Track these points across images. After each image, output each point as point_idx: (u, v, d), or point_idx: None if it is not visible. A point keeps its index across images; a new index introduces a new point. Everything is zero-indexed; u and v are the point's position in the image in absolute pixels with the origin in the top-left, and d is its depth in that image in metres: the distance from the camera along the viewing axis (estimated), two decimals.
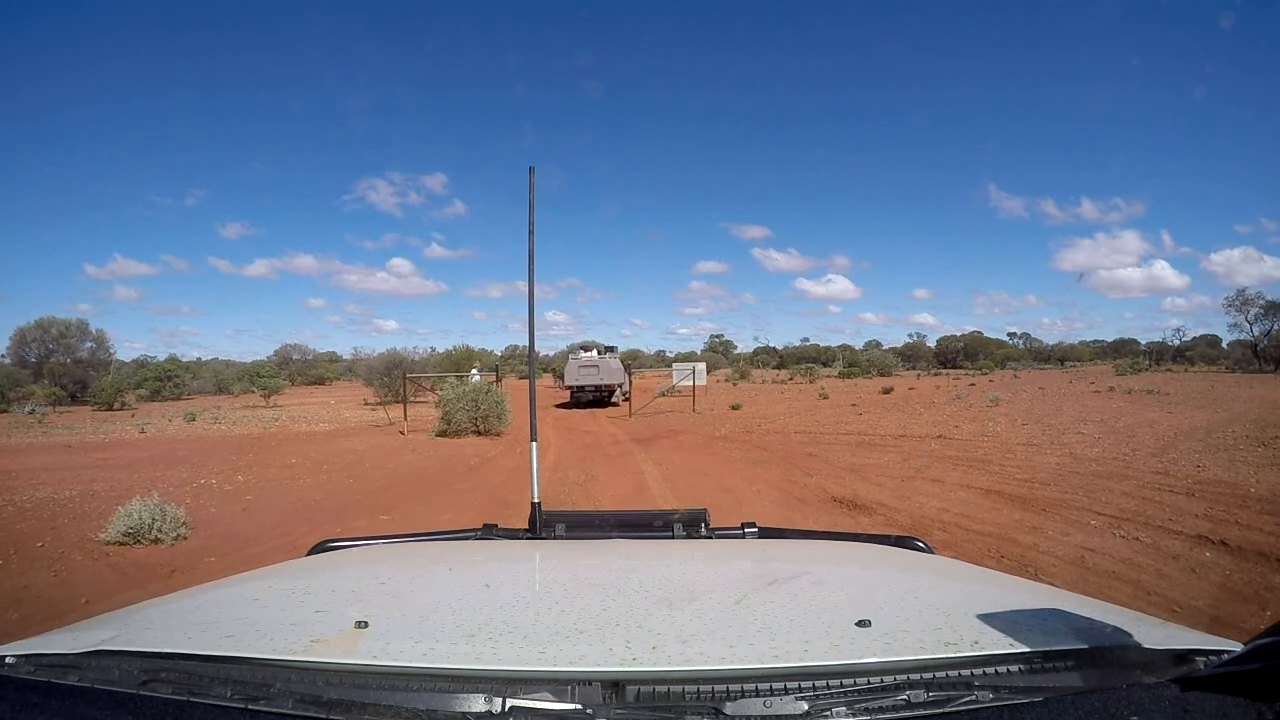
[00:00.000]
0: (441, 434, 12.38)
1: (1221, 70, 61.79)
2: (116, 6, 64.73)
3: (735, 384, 35.29)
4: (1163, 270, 74.20)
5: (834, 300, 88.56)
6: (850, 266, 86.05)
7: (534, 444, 1.91)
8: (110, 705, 0.65)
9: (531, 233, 1.83)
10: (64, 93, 65.79)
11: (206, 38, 67.64)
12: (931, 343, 71.78)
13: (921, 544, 1.46)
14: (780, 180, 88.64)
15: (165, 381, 32.28)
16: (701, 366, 22.54)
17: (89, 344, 33.43)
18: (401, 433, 13.02)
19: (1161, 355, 51.72)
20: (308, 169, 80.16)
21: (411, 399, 16.97)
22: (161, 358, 44.04)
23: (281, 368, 50.02)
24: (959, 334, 71.72)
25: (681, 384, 22.42)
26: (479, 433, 12.40)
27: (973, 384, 30.83)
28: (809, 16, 72.94)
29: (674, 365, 22.22)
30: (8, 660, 0.76)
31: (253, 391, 31.28)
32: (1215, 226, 79.74)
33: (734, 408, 18.30)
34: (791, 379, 40.18)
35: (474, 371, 15.98)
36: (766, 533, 1.56)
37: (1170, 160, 72.95)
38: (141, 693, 0.67)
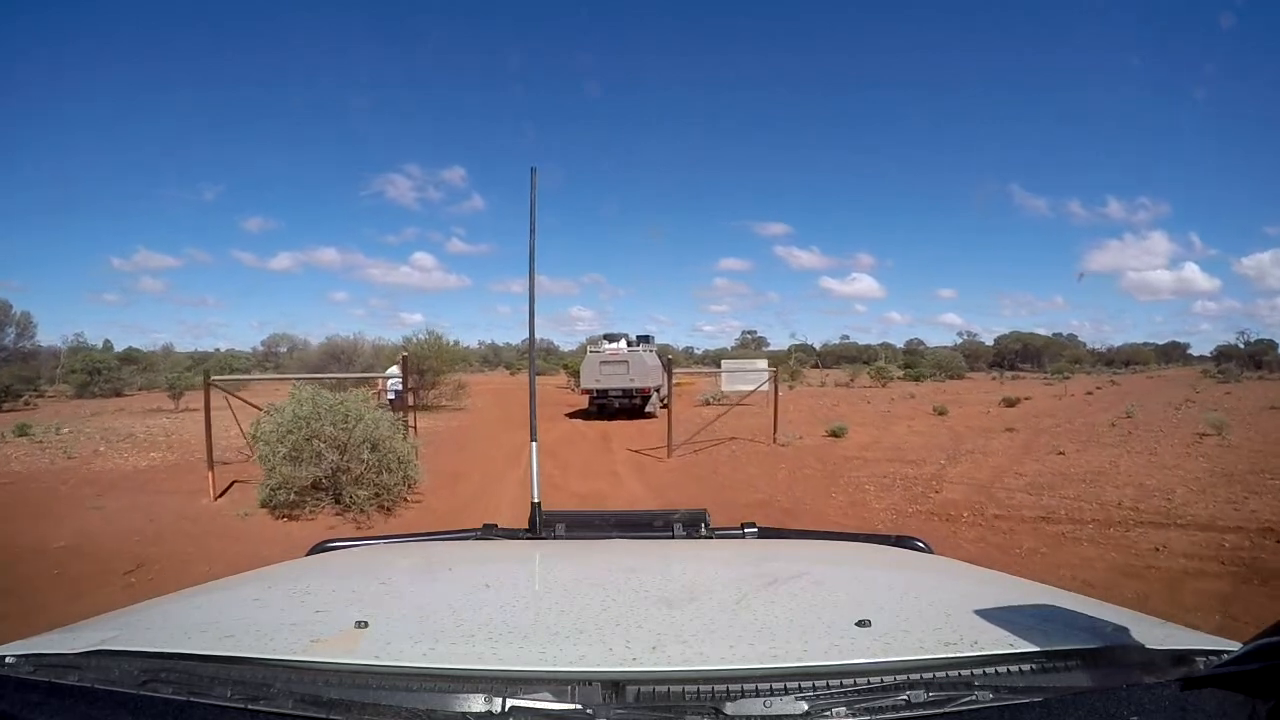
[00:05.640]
0: (274, 506, 5.74)
1: (1252, 69, 58.99)
2: (141, 4, 62.52)
3: (791, 388, 28.02)
4: (1192, 273, 71.84)
5: (859, 299, 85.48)
6: (874, 265, 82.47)
7: (534, 444, 1.89)
8: (110, 705, 0.65)
9: (533, 232, 1.78)
10: (85, 90, 63.86)
11: (223, 38, 65.31)
12: (989, 341, 66.02)
13: (921, 544, 1.43)
14: (801, 178, 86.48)
15: (94, 375, 26.53)
16: (762, 364, 15.60)
17: (10, 330, 28.09)
18: (219, 494, 6.45)
19: (1230, 360, 45.17)
20: (329, 164, 78.56)
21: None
22: (132, 346, 38.89)
23: (267, 360, 44.82)
24: (1022, 332, 66.57)
25: (733, 390, 15.62)
26: (348, 506, 5.72)
27: (1089, 394, 24.71)
28: (832, 14, 69.97)
29: (723, 363, 15.35)
30: (8, 660, 0.75)
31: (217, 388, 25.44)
32: (1245, 229, 77.79)
33: (833, 434, 11.34)
34: (852, 381, 32.95)
35: (392, 370, 9.29)
36: (766, 533, 1.53)
37: (1198, 161, 70.24)
38: (141, 693, 0.66)
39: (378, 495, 5.56)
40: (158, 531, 5.63)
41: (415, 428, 6.65)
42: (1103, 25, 62.32)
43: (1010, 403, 18.97)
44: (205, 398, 6.39)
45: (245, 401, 6.55)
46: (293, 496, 5.50)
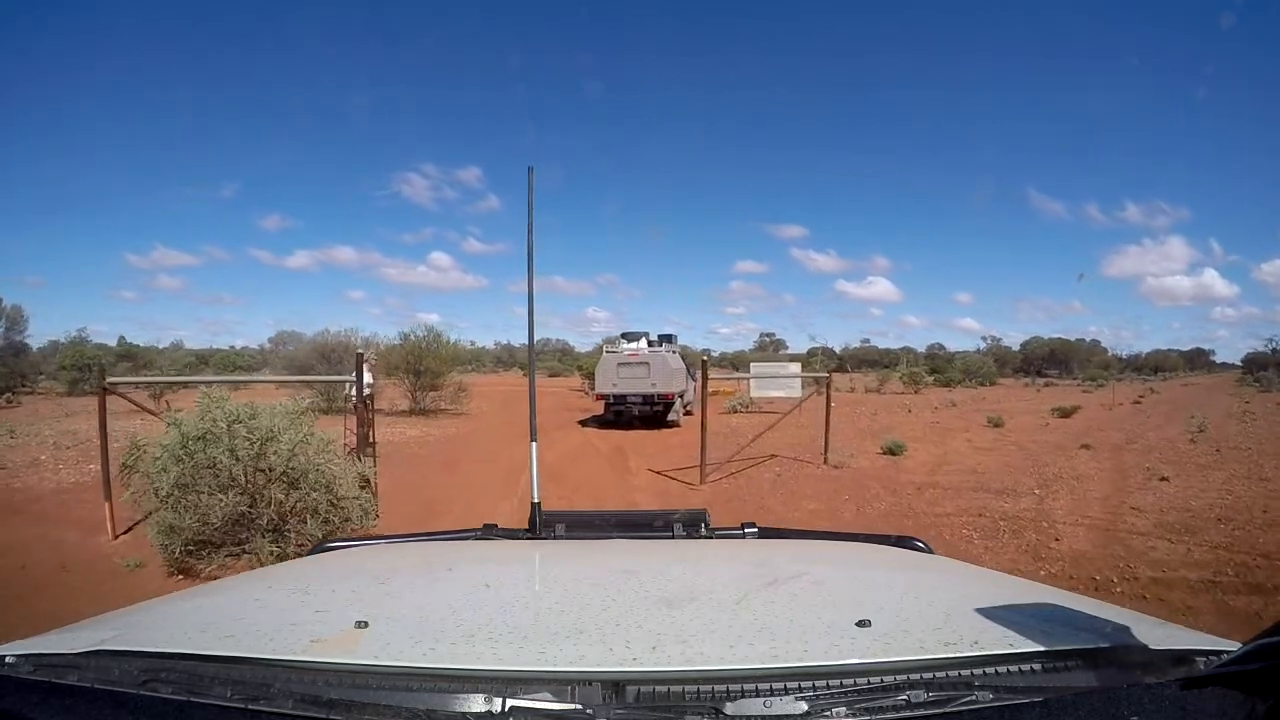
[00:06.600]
0: (170, 553, 4.21)
1: (1272, 75, 57.49)
2: (165, 4, 63.39)
3: (820, 394, 26.19)
4: (1211, 279, 71.81)
5: (876, 302, 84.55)
6: (891, 268, 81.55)
7: (534, 443, 1.84)
8: (110, 705, 0.64)
9: (530, 231, 1.76)
10: (105, 90, 66.08)
11: (244, 39, 67.20)
12: (1013, 346, 64.12)
13: (921, 544, 1.41)
14: (818, 180, 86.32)
15: (85, 372, 25.35)
16: (795, 368, 13.96)
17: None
18: (124, 530, 4.95)
19: (1265, 368, 42.99)
20: (347, 163, 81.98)
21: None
22: (131, 343, 37.97)
23: (274, 357, 43.80)
24: (1047, 338, 64.55)
25: (761, 396, 14.03)
26: (261, 561, 4.15)
27: (1136, 403, 23.38)
28: (850, 16, 69.54)
29: (753, 367, 13.70)
30: (8, 660, 0.74)
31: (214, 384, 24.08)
32: (1266, 235, 76.17)
33: (889, 451, 9.69)
34: (882, 387, 31.06)
35: (365, 371, 7.93)
36: (766, 533, 1.50)
37: (1219, 166, 68.19)
38: (141, 693, 0.65)
39: (302, 548, 4.03)
40: (24, 586, 4.14)
41: (374, 442, 5.09)
42: (1123, 29, 62.17)
43: (1065, 413, 17.17)
44: (100, 405, 4.88)
45: (140, 407, 5.05)
46: (186, 546, 3.95)
